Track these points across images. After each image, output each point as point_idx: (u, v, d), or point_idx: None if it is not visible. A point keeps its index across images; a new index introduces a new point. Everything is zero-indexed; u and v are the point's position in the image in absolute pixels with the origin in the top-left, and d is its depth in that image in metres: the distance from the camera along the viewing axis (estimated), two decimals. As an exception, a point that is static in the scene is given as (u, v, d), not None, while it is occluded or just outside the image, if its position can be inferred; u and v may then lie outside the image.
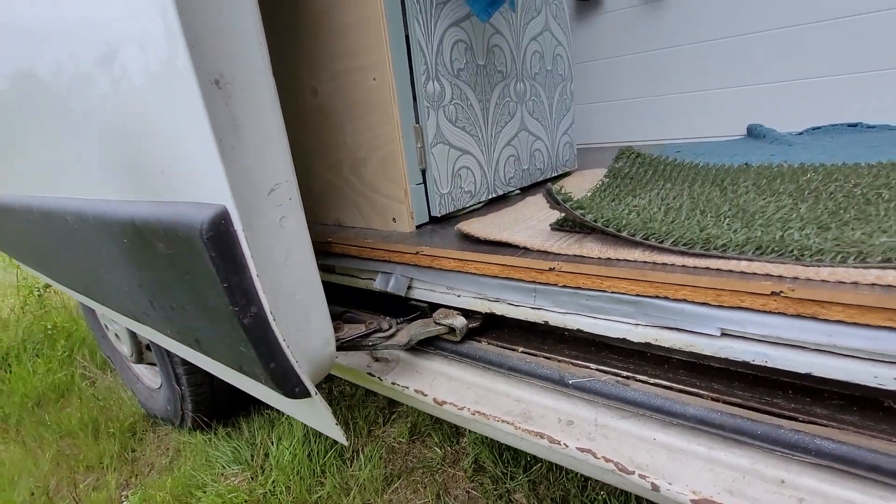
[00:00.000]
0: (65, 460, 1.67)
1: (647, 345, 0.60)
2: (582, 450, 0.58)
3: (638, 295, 0.58)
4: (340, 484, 1.45)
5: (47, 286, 2.97)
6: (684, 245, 0.58)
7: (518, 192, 1.24)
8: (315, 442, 1.58)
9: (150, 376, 1.82)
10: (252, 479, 1.51)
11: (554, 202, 0.67)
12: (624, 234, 0.62)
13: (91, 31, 0.56)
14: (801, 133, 2.00)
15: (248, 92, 0.51)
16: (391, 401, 1.79)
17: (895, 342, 0.44)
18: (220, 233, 0.47)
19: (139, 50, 0.51)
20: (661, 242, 0.60)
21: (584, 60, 2.48)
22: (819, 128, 2.01)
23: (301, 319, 0.57)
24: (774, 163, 1.15)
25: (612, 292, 0.60)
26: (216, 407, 1.66)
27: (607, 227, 0.63)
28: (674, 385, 0.59)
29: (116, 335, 1.76)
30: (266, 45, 0.54)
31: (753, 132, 2.08)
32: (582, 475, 1.37)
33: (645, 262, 0.60)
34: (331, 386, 1.95)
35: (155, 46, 0.49)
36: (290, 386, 0.55)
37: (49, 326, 2.52)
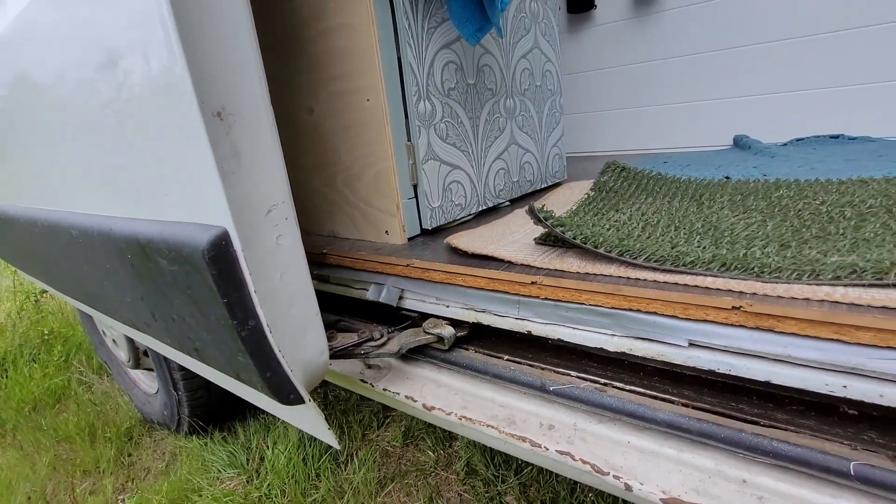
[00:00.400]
0: (61, 465, 1.69)
1: (623, 354, 0.64)
2: (561, 452, 0.61)
3: (613, 308, 0.62)
4: (335, 487, 1.48)
5: (44, 291, 2.99)
6: (656, 261, 0.62)
7: (508, 203, 1.28)
8: (310, 446, 1.61)
9: (146, 381, 1.85)
10: (248, 482, 1.54)
11: (536, 220, 0.71)
12: (601, 250, 0.66)
13: (107, 66, 0.60)
14: (784, 144, 2.06)
15: (247, 122, 0.55)
16: (385, 405, 1.83)
17: (842, 353, 0.49)
18: (220, 253, 0.50)
19: (149, 86, 0.55)
20: (635, 259, 0.64)
21: (575, 71, 2.53)
22: (802, 139, 2.07)
23: (296, 331, 0.60)
24: (753, 177, 1.19)
25: (590, 305, 0.64)
26: (212, 412, 1.68)
27: (585, 243, 0.67)
28: (647, 391, 0.63)
29: (114, 341, 1.79)
30: (265, 79, 0.58)
31: (739, 143, 2.14)
32: (572, 479, 1.41)
33: (620, 276, 0.64)
34: (326, 391, 1.98)
35: (164, 83, 0.53)
36: (285, 393, 0.58)
37: (46, 331, 2.53)
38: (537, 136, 1.40)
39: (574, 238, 0.68)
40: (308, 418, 0.67)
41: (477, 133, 1.12)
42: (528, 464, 1.50)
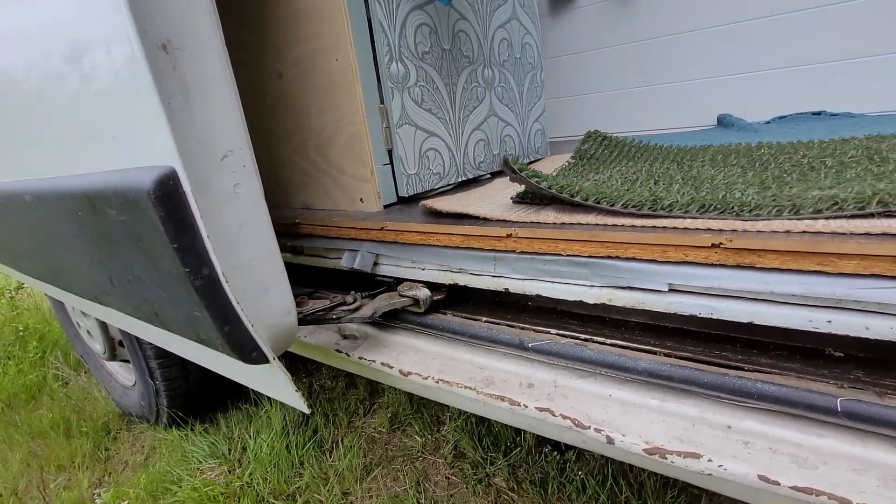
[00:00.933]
0: (35, 461, 1.63)
1: (603, 306, 0.62)
2: (541, 409, 0.59)
3: (591, 256, 0.59)
4: (319, 474, 1.44)
5: (19, 288, 2.91)
6: (633, 207, 0.60)
7: (489, 175, 1.25)
8: (294, 434, 1.57)
9: (123, 374, 1.80)
10: (229, 472, 1.50)
11: (511, 171, 0.68)
12: (577, 198, 0.63)
13: (44, 19, 0.56)
14: (767, 122, 2.06)
15: (197, 58, 0.51)
16: (372, 391, 1.79)
17: (825, 285, 0.46)
18: (167, 193, 0.47)
19: (87, 18, 0.51)
20: (612, 205, 0.62)
21: (558, 54, 2.51)
22: (785, 117, 2.07)
23: (258, 286, 0.57)
24: (735, 142, 1.18)
25: (567, 255, 0.61)
26: (192, 402, 1.64)
27: (561, 192, 0.64)
28: (629, 344, 0.61)
29: (88, 332, 1.73)
30: (217, 14, 0.54)
31: (723, 122, 2.13)
32: (561, 459, 1.39)
33: (597, 224, 0.61)
34: (311, 381, 1.94)
35: (101, 12, 0.49)
36: (247, 351, 0.55)
37: (21, 328, 2.46)
38: (518, 110, 1.37)
39: (550, 188, 0.65)
40: (274, 381, 0.64)
41: (454, 101, 1.09)
42: (516, 444, 1.47)
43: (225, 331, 0.52)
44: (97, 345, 1.70)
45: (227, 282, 0.51)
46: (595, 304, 0.62)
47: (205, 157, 0.52)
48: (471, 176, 1.18)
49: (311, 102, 0.93)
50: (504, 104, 1.30)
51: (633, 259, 0.56)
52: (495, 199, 0.87)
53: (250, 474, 1.46)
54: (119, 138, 0.54)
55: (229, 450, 1.59)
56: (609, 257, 0.58)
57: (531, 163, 1.45)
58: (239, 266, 0.55)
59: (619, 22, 2.30)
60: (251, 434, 1.62)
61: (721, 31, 2.08)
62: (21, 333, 2.43)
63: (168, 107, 0.49)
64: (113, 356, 1.69)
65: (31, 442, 1.73)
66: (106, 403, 1.88)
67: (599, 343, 0.63)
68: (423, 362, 0.74)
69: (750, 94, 2.13)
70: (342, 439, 1.60)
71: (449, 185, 1.11)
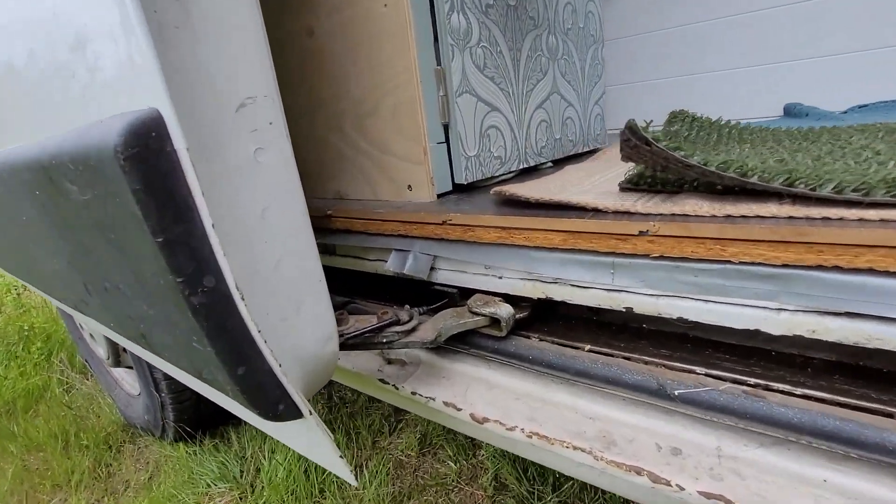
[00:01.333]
0: (29, 477, 1.47)
1: (795, 339, 0.41)
2: (707, 495, 0.39)
3: (785, 265, 0.39)
4: (342, 505, 1.26)
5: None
6: (854, 191, 0.40)
7: (550, 164, 1.06)
8: (313, 456, 1.39)
9: (129, 381, 1.64)
10: (241, 498, 1.32)
11: (640, 141, 0.48)
12: (753, 178, 0.43)
13: None
14: (845, 112, 1.82)
15: (202, -55, 0.33)
16: (397, 407, 1.61)
17: None
18: (146, 150, 0.28)
19: None
20: (814, 189, 0.41)
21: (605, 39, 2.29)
22: (866, 105, 1.82)
23: (287, 303, 0.38)
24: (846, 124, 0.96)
25: (741, 262, 0.41)
26: (200, 416, 1.47)
27: (726, 171, 0.44)
28: (838, 398, 0.40)
29: (91, 335, 1.58)
30: None
31: (792, 111, 1.89)
32: (621, 497, 1.19)
33: (791, 216, 0.41)
34: (330, 391, 1.76)
35: None
36: (271, 402, 0.36)
37: (26, 327, 2.32)
38: (580, 88, 1.17)
39: (705, 164, 0.45)
40: (308, 438, 0.45)
41: (518, 69, 0.89)
42: (567, 477, 1.27)
43: (238, 373, 0.34)
44: (101, 349, 1.55)
45: (243, 298, 0.32)
46: (782, 335, 0.42)
47: (209, 102, 0.33)
48: (532, 163, 0.98)
49: (351, 63, 0.74)
50: (566, 80, 1.10)
51: (870, 271, 0.36)
52: (583, 186, 0.67)
53: (265, 503, 1.28)
54: (80, 76, 0.35)
55: (241, 472, 1.41)
56: (820, 267, 0.38)
57: (592, 152, 1.24)
58: (260, 273, 0.36)
59: (666, 4, 2.07)
60: (265, 454, 1.45)
61: (781, 13, 1.83)
62: (26, 333, 2.29)
63: (152, 16, 0.30)
64: (117, 362, 1.53)
65: (27, 455, 1.57)
66: (110, 412, 1.73)
67: (785, 393, 0.42)
68: (502, 404, 0.54)
69: (819, 81, 1.89)
70: (367, 462, 1.41)
71: (510, 172, 0.91)
